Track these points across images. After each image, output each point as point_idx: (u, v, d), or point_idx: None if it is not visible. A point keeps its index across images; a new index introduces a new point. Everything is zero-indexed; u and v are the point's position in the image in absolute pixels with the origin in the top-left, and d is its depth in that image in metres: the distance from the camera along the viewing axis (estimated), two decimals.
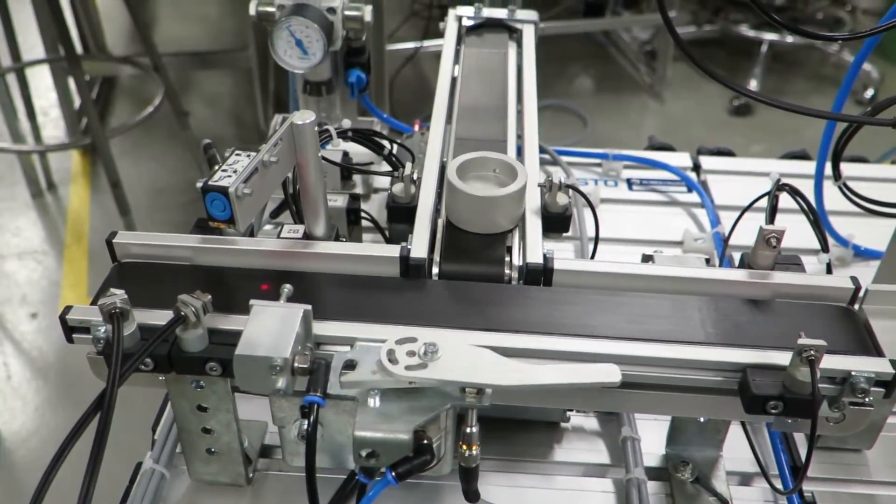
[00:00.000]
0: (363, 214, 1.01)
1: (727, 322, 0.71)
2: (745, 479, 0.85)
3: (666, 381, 0.67)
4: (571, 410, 0.86)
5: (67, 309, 0.68)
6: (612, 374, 0.61)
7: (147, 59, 2.67)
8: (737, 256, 0.98)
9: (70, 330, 0.69)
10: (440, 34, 1.19)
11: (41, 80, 3.27)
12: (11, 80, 2.91)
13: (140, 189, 2.92)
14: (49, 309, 2.58)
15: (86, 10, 3.22)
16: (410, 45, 3.25)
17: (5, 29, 2.78)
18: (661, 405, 0.70)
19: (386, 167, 1.01)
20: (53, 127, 3.27)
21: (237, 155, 0.66)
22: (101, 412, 0.56)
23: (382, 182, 1.19)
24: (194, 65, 3.43)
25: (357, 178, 1.13)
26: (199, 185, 0.64)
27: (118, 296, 0.63)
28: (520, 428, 0.87)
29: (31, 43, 2.99)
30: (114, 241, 0.75)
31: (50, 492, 0.57)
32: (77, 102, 2.87)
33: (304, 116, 0.70)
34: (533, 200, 0.82)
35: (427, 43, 3.25)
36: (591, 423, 0.89)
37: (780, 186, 0.82)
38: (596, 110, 3.53)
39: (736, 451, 0.85)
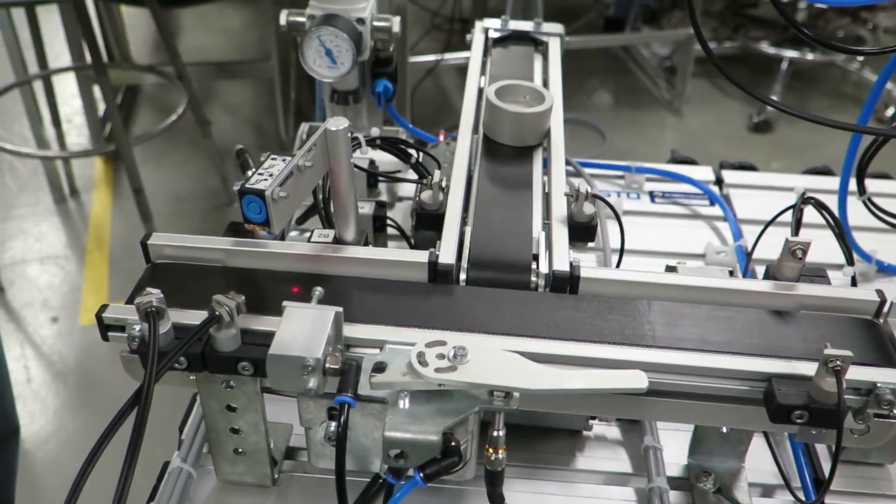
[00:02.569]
0: (389, 222, 1.02)
1: (753, 332, 0.71)
2: (766, 491, 0.85)
3: (691, 389, 0.68)
4: (594, 419, 0.87)
5: (103, 307, 0.70)
6: (639, 380, 0.62)
7: (171, 68, 2.71)
8: (759, 270, 0.99)
9: (105, 328, 0.70)
10: (460, 47, 1.21)
11: (65, 88, 3.32)
12: (38, 87, 2.95)
13: (161, 196, 2.95)
14: (70, 313, 2.61)
15: (111, 20, 3.27)
16: (431, 57, 3.28)
17: (33, 37, 2.82)
18: (686, 414, 0.70)
19: (411, 177, 1.02)
20: (77, 134, 3.32)
21: (273, 159, 0.68)
22: (139, 407, 0.58)
23: (406, 191, 1.21)
24: (216, 75, 3.47)
25: (382, 186, 1.14)
26: (237, 187, 0.65)
27: (154, 295, 0.64)
28: (542, 435, 0.88)
29: (57, 51, 3.04)
30: (148, 242, 0.77)
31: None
32: (101, 110, 2.91)
33: (337, 123, 0.71)
34: (559, 209, 0.83)
35: (448, 56, 3.27)
36: (612, 431, 0.90)
37: (805, 199, 0.82)
38: (614, 125, 3.54)
39: (758, 462, 0.85)
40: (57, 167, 2.98)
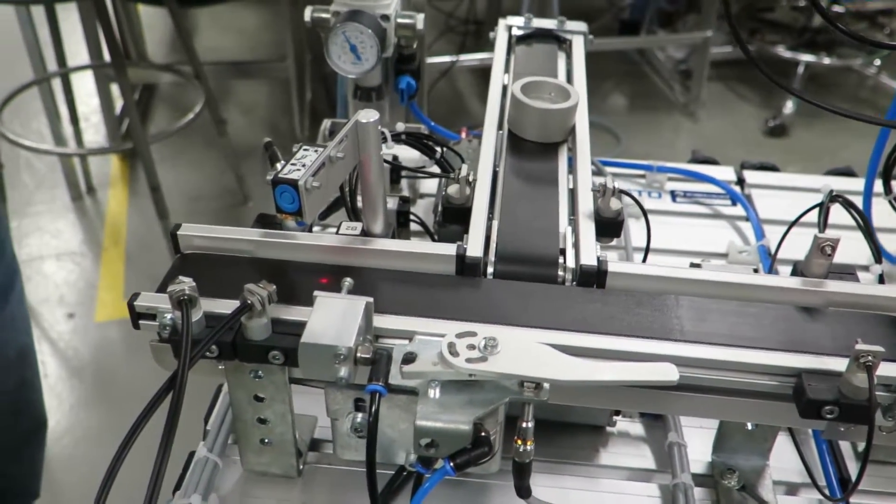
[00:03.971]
0: (412, 217, 1.02)
1: (781, 328, 0.71)
2: (791, 489, 0.85)
3: (720, 384, 0.68)
4: (618, 414, 0.87)
5: (135, 295, 0.70)
6: (670, 373, 0.62)
7: (188, 67, 2.72)
8: (782, 270, 0.99)
9: (137, 316, 0.70)
10: (474, 49, 1.21)
11: (83, 87, 3.34)
12: (56, 84, 2.97)
13: (177, 195, 2.97)
14: (85, 310, 2.62)
15: (128, 19, 3.29)
16: (446, 59, 3.28)
17: (52, 35, 2.84)
18: (714, 409, 0.70)
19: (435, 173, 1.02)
20: (94, 132, 3.34)
21: (305, 150, 0.68)
22: (173, 392, 0.58)
23: (428, 188, 1.21)
24: (231, 74, 3.48)
25: (404, 182, 1.15)
26: (270, 177, 0.66)
27: (187, 283, 0.65)
28: (565, 430, 0.88)
29: (74, 49, 3.06)
30: (178, 232, 0.77)
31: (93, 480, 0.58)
32: (118, 108, 2.93)
33: (368, 115, 0.71)
34: (585, 204, 0.83)
35: (463, 57, 3.27)
36: (636, 428, 0.90)
37: (833, 198, 0.82)
38: (629, 128, 3.54)
39: (782, 461, 0.85)
40: (74, 164, 3.00)
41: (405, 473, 0.82)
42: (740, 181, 1.27)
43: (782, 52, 3.68)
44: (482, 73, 3.71)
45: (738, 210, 1.20)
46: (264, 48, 4.00)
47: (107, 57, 2.80)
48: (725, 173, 1.28)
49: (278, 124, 3.48)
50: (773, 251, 1.09)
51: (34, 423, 1.29)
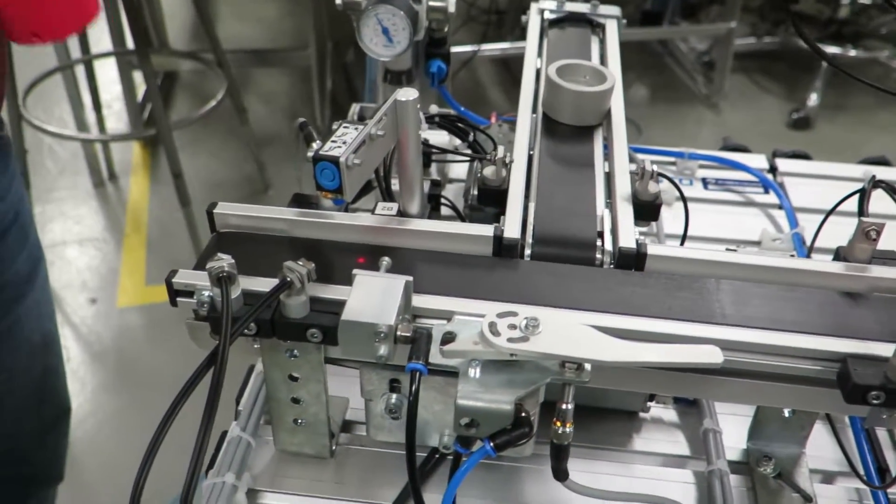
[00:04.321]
0: (443, 201, 1.01)
1: (825, 313, 0.70)
2: (827, 478, 0.84)
3: (763, 368, 0.67)
4: (652, 400, 0.86)
5: (173, 272, 0.70)
6: (714, 355, 0.61)
7: (210, 55, 2.72)
8: (818, 258, 0.97)
9: (175, 293, 0.70)
10: (496, 39, 1.21)
11: (105, 74, 3.35)
12: (79, 71, 2.98)
13: (197, 182, 2.97)
14: (108, 295, 2.63)
15: (150, 6, 3.29)
16: (468, 48, 3.27)
17: None
18: (756, 394, 0.69)
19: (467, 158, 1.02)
20: (116, 119, 3.35)
21: (345, 128, 0.68)
22: (214, 369, 0.58)
23: (457, 173, 1.21)
24: (252, 63, 3.48)
25: (433, 167, 1.14)
26: (310, 154, 0.65)
27: (226, 260, 0.64)
28: (598, 416, 0.87)
29: (97, 36, 3.07)
30: (214, 211, 0.77)
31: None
32: (139, 96, 2.93)
33: (407, 94, 0.71)
34: (623, 187, 0.82)
35: (485, 47, 3.26)
36: (669, 414, 0.89)
37: (875, 183, 0.81)
38: (651, 119, 3.51)
39: (819, 449, 0.85)
40: (96, 151, 3.02)
41: (437, 456, 0.82)
42: (772, 169, 1.25)
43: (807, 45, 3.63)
44: (503, 64, 3.69)
45: (770, 198, 1.19)
46: (285, 37, 4.00)
47: (129, 44, 2.81)
48: (757, 161, 1.26)
49: (298, 113, 3.48)
50: (807, 239, 1.07)
51: (58, 409, 1.29)
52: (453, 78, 3.34)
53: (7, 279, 1.05)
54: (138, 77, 2.90)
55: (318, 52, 3.07)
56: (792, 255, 0.82)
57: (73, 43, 2.86)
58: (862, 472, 0.81)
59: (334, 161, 0.64)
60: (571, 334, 0.62)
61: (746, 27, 3.80)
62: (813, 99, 3.43)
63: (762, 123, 3.47)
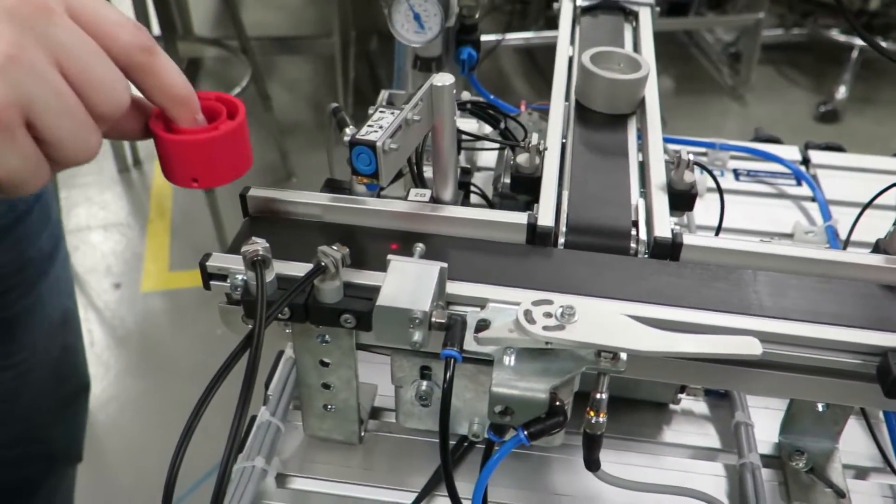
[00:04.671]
0: (472, 188, 1.01)
1: (864, 305, 0.69)
2: (861, 473, 0.83)
3: (800, 360, 0.66)
4: (683, 392, 0.86)
5: (207, 256, 0.70)
6: (753, 346, 0.60)
7: (234, 42, 2.73)
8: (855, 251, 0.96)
9: (208, 277, 0.70)
10: (520, 28, 1.20)
11: None
12: None
13: None
14: (131, 280, 2.66)
15: None
16: (492, 37, 3.25)
17: None
18: (792, 387, 0.69)
19: (496, 146, 1.01)
20: None
21: (381, 112, 0.67)
22: (250, 352, 0.58)
23: (485, 161, 1.20)
24: (276, 50, 3.49)
25: (462, 155, 1.14)
26: (347, 138, 0.65)
27: (260, 244, 0.64)
28: (628, 407, 0.86)
29: None
30: (247, 195, 0.77)
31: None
32: None
33: (443, 79, 0.70)
34: (657, 176, 0.81)
35: (509, 36, 3.24)
36: (700, 407, 0.88)
37: None
38: (675, 110, 3.48)
39: (852, 444, 0.83)
40: None
41: (466, 444, 0.82)
42: (805, 161, 1.24)
43: (836, 35, 3.59)
44: (527, 53, 3.67)
45: (803, 190, 1.17)
46: (309, 24, 4.00)
47: (155, 30, 2.82)
48: (790, 153, 1.25)
49: (322, 101, 3.48)
50: (840, 232, 1.06)
51: (77, 386, 1.30)
52: (478, 66, 3.33)
53: (30, 256, 1.05)
54: None
55: (341, 39, 3.07)
56: (826, 248, 0.81)
57: None
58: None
59: (371, 145, 0.64)
60: (608, 323, 0.61)
61: (774, 18, 3.75)
62: (841, 91, 3.39)
63: (789, 116, 3.44)
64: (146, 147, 3.17)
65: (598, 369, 0.62)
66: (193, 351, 2.37)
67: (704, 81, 3.73)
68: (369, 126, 0.66)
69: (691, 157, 0.79)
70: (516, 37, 3.29)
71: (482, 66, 3.69)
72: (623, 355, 0.61)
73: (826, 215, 1.10)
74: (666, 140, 1.20)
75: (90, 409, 2.18)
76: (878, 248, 0.76)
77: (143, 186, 3.03)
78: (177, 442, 0.55)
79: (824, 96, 3.44)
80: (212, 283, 0.71)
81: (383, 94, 1.19)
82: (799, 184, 1.18)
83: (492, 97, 1.20)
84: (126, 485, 2.02)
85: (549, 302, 0.62)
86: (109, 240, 2.78)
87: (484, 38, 3.62)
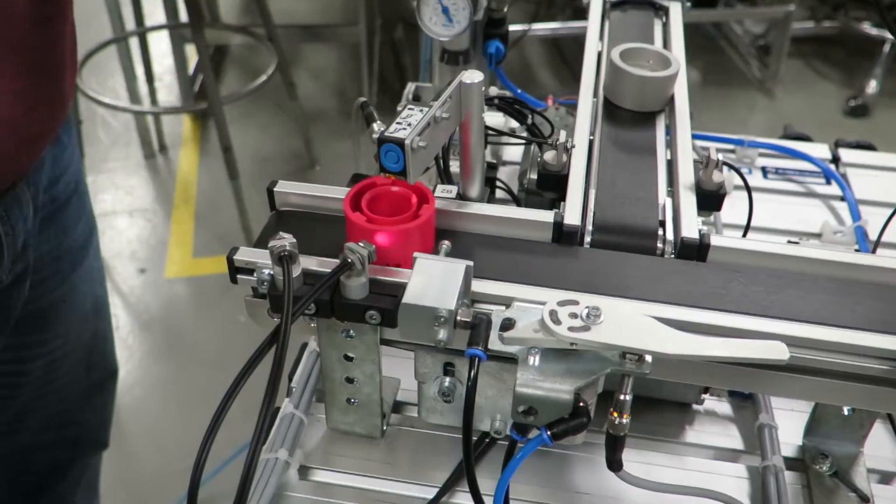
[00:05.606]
0: (498, 184, 1.01)
1: (893, 310, 0.68)
2: (885, 478, 0.82)
3: (828, 365, 0.66)
4: (706, 392, 0.85)
5: (234, 250, 0.71)
6: (780, 351, 0.60)
7: (261, 29, 2.73)
8: (883, 254, 0.95)
9: (235, 270, 0.71)
10: (546, 19, 1.19)
11: (157, 47, 3.38)
12: (133, 44, 3.02)
13: (245, 156, 3.00)
14: (156, 265, 2.68)
15: None
16: (518, 27, 3.23)
17: None
18: (819, 391, 0.68)
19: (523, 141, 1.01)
20: (167, 92, 3.39)
21: (410, 109, 0.67)
22: (276, 347, 0.58)
23: (511, 155, 1.20)
24: (302, 37, 3.49)
25: (487, 149, 1.13)
26: (376, 136, 0.65)
27: (287, 239, 0.65)
28: (651, 406, 0.86)
29: (151, 9, 3.10)
30: (274, 189, 0.77)
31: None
32: (191, 69, 2.96)
33: (472, 76, 0.70)
34: (686, 175, 0.81)
35: (535, 27, 3.22)
36: (723, 407, 0.88)
37: None
38: (701, 103, 3.44)
39: (877, 449, 0.83)
40: (148, 123, 3.06)
41: (487, 440, 0.82)
42: (835, 159, 1.22)
43: (868, 29, 3.53)
44: (553, 44, 3.65)
45: (833, 189, 1.16)
46: (335, 12, 4.00)
47: (182, 17, 2.83)
48: (819, 151, 1.23)
49: (347, 90, 3.48)
50: (870, 233, 1.05)
51: (106, 372, 1.32)
52: (503, 57, 3.31)
53: (66, 247, 1.07)
54: (190, 50, 2.93)
55: (367, 28, 3.06)
56: (855, 249, 0.80)
57: (128, 15, 2.89)
58: None
59: (399, 143, 0.64)
60: (634, 325, 0.61)
61: (805, 11, 3.70)
62: (872, 86, 3.34)
63: (818, 110, 3.39)
64: (172, 133, 3.19)
65: (622, 371, 0.62)
66: (216, 337, 2.39)
67: (732, 74, 3.68)
68: (398, 123, 0.66)
69: (720, 156, 0.79)
70: (543, 27, 3.26)
71: (507, 56, 3.66)
72: (648, 357, 0.61)
73: (856, 215, 1.09)
74: (694, 137, 1.19)
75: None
76: None
77: (168, 172, 3.05)
78: (202, 430, 0.56)
79: (854, 90, 3.39)
80: (239, 276, 0.71)
81: (410, 87, 1.19)
82: (828, 182, 1.17)
83: (518, 91, 1.19)
84: (148, 468, 2.04)
85: (575, 302, 0.62)
86: (135, 225, 2.81)
87: (510, 27, 3.58)
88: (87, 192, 1.14)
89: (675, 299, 0.68)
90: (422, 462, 0.81)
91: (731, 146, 1.22)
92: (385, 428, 0.83)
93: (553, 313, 0.62)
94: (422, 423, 0.80)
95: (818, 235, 1.07)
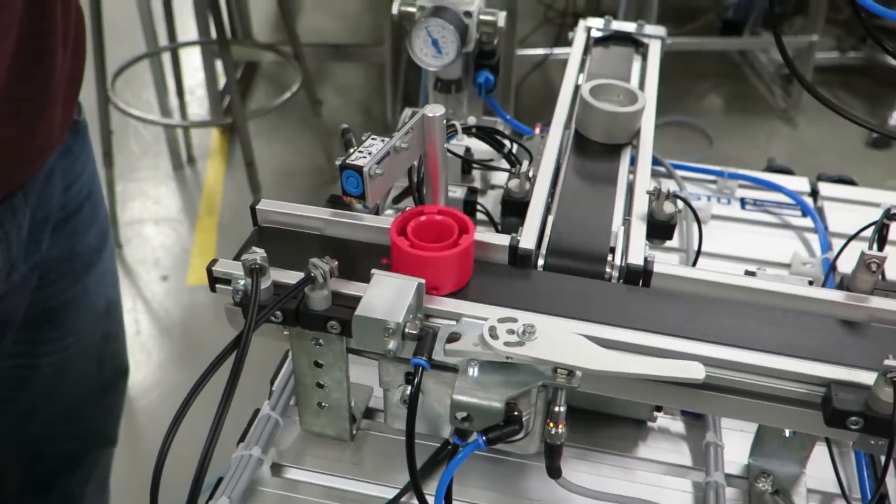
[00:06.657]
0: (479, 207, 1.07)
1: (819, 338, 0.73)
2: (826, 500, 0.86)
3: (752, 387, 0.70)
4: (660, 411, 0.90)
5: (213, 262, 0.78)
6: (696, 371, 0.65)
7: (288, 47, 2.83)
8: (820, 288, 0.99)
9: (214, 280, 0.78)
10: (570, 43, 1.25)
11: (190, 62, 3.51)
12: (166, 58, 3.13)
13: (270, 170, 3.09)
14: (179, 273, 2.78)
15: None
16: (540, 51, 3.30)
17: (165, 11, 3.00)
18: (746, 411, 0.73)
19: (503, 167, 1.07)
20: (198, 105, 3.50)
21: (372, 139, 0.74)
22: (237, 351, 0.65)
23: (499, 180, 1.26)
24: (330, 56, 3.59)
25: (476, 174, 1.20)
26: (338, 162, 0.72)
27: (258, 253, 0.71)
28: (606, 421, 0.91)
29: (184, 26, 3.22)
30: (257, 207, 0.84)
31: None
32: (221, 84, 3.07)
33: (434, 110, 0.76)
34: (640, 206, 0.86)
35: (557, 50, 3.29)
36: (676, 425, 0.92)
37: (890, 216, 0.83)
38: (723, 130, 3.48)
39: (821, 471, 0.87)
40: (177, 135, 3.17)
41: (449, 447, 0.87)
42: (814, 192, 1.26)
43: (893, 61, 3.54)
44: None
45: (807, 221, 1.20)
46: (364, 32, 4.10)
47: (213, 34, 2.94)
48: (799, 184, 1.28)
49: (371, 108, 3.57)
50: (840, 265, 1.09)
51: (117, 370, 1.39)
52: (524, 80, 3.38)
53: (78, 250, 1.14)
54: (220, 66, 3.04)
55: (393, 48, 3.15)
56: (811, 281, 0.85)
57: (161, 30, 3.01)
58: (854, 496, 0.83)
59: (358, 170, 0.71)
60: (565, 342, 0.66)
61: (831, 40, 3.72)
62: (895, 117, 3.34)
63: (840, 140, 3.40)
64: (201, 146, 3.31)
65: (554, 384, 0.67)
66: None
67: (755, 101, 3.71)
68: (360, 152, 0.72)
69: (671, 189, 0.84)
70: (565, 51, 3.32)
71: (529, 78, 3.73)
72: (578, 372, 0.66)
73: (825, 247, 1.13)
74: (676, 166, 1.24)
75: (132, 396, 2.30)
76: (841, 284, 0.80)
77: (195, 184, 3.16)
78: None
79: (878, 121, 3.40)
80: (218, 286, 0.78)
81: (406, 112, 1.25)
82: (804, 215, 1.21)
83: (508, 117, 1.26)
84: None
85: (514, 320, 0.68)
86: (160, 234, 2.91)
87: (532, 51, 3.66)
88: (102, 199, 1.21)
89: (611, 320, 0.73)
90: (387, 465, 0.87)
91: (712, 177, 1.27)
92: (355, 431, 0.89)
93: (492, 329, 0.67)
94: (389, 428, 0.86)
95: (787, 265, 1.12)
